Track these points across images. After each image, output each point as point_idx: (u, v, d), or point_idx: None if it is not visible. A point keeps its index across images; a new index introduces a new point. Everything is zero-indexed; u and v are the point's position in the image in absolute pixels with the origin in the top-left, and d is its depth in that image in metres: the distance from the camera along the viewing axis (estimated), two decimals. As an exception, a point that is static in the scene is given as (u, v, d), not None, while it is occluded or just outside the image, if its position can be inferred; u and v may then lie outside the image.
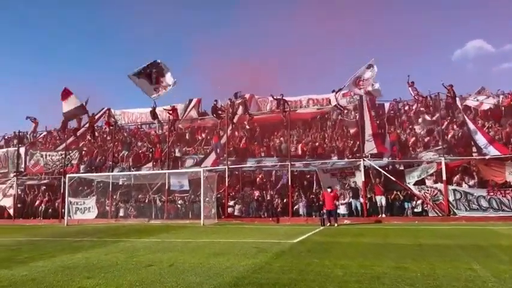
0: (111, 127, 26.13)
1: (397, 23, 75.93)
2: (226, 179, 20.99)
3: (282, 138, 23.67)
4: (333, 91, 21.43)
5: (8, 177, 26.03)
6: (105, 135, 29.90)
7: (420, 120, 21.60)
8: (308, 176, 21.96)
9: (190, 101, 28.88)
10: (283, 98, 22.22)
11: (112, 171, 23.43)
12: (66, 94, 22.87)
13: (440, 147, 18.67)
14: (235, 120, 23.26)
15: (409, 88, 20.21)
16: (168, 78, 21.82)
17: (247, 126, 23.64)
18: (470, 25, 70.25)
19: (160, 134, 25.76)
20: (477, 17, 68.91)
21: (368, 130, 20.52)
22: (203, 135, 26.54)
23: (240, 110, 22.84)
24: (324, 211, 19.12)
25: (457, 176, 18.24)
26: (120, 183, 24.26)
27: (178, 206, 21.86)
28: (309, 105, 26.28)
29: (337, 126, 24.20)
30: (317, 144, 22.63)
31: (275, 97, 22.65)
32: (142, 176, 22.82)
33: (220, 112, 23.11)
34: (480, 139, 19.18)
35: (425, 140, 21.24)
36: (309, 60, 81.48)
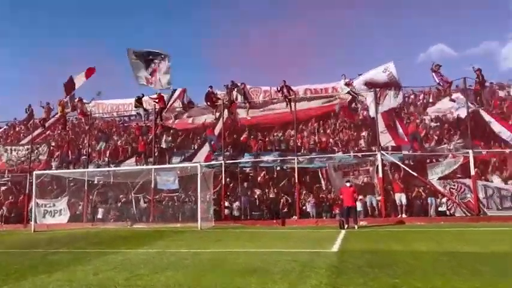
0: (86, 117, 22.92)
1: (360, 25, 75.91)
2: (223, 175, 18.41)
3: (280, 132, 21.27)
4: (343, 76, 19.24)
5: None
6: (76, 128, 26.61)
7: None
8: (312, 173, 19.66)
9: (174, 91, 26.02)
10: (286, 84, 19.84)
11: (87, 168, 20.34)
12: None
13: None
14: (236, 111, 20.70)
15: (433, 74, 18.34)
16: (164, 77, 19.72)
17: (248, 117, 21.08)
18: (433, 30, 71.53)
19: (145, 125, 22.78)
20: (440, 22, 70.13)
21: (380, 121, 18.54)
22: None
23: (239, 98, 20.29)
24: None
25: (490, 169, 16.41)
26: (96, 181, 21.21)
27: (168, 207, 19.05)
28: (306, 95, 23.99)
29: (340, 118, 22.01)
30: (323, 138, 20.34)
31: (278, 88, 20.15)
32: (124, 173, 19.86)
33: (215, 100, 20.46)
34: (503, 131, 17.58)
35: (437, 132, 19.52)
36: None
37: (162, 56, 20.48)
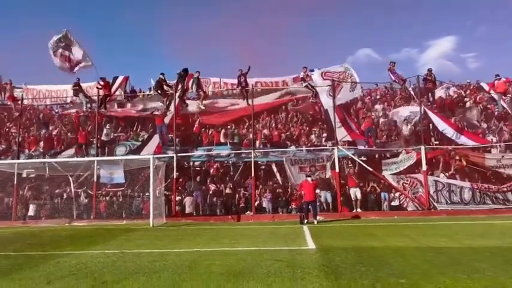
0: (17, 102, 20.35)
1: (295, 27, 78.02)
2: (175, 169, 17.29)
3: (233, 125, 20.51)
4: (305, 68, 18.88)
5: None
6: (2, 115, 23.70)
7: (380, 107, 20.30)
8: (266, 168, 19.21)
9: (115, 78, 24.08)
10: (243, 73, 19.07)
11: (18, 160, 18.08)
12: None
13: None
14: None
15: (389, 72, 18.69)
16: (77, 52, 18.36)
17: (202, 107, 19.93)
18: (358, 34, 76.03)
19: (86, 113, 20.73)
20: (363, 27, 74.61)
21: (332, 117, 18.54)
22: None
23: (194, 87, 19.10)
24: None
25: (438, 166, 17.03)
26: (24, 175, 18.98)
27: (113, 203, 17.49)
28: (257, 87, 23.46)
29: (292, 111, 21.76)
30: (275, 132, 19.93)
31: (238, 76, 19.28)
32: (62, 166, 17.91)
33: (166, 89, 19.10)
34: (447, 129, 18.39)
35: (385, 129, 20.02)
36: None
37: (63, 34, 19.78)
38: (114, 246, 9.80)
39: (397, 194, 16.56)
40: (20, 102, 19.75)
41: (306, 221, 14.21)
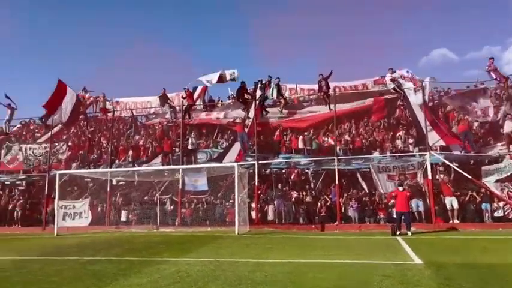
0: (109, 114, 21.78)
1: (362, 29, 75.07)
2: (256, 176, 17.21)
3: (311, 131, 19.98)
4: (390, 69, 17.92)
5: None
6: (90, 128, 25.32)
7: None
8: (347, 175, 18.43)
9: (195, 89, 24.83)
10: (324, 77, 18.57)
11: (110, 168, 19.21)
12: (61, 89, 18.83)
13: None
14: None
15: (491, 72, 17.18)
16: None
17: (282, 113, 19.83)
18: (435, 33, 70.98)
19: (172, 122, 21.56)
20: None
21: (422, 120, 17.30)
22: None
23: (274, 94, 19.03)
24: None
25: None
26: (114, 182, 20.07)
27: (197, 210, 17.86)
28: (340, 91, 22.77)
29: (376, 116, 20.69)
30: (357, 138, 19.11)
31: (319, 81, 18.82)
32: (149, 174, 18.72)
33: (247, 96, 19.24)
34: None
35: (481, 131, 18.27)
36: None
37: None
38: (208, 254, 9.77)
39: (500, 204, 14.92)
40: (110, 114, 21.06)
41: (398, 232, 13.28)
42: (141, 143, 22.74)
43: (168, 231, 16.75)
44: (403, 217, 13.50)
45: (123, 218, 18.65)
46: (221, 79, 20.76)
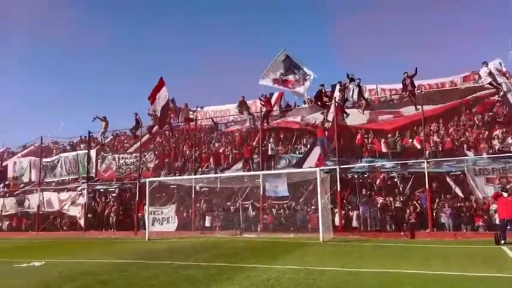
0: (191, 123, 22.74)
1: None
2: (338, 182, 16.71)
3: (397, 133, 18.91)
4: (485, 63, 16.47)
5: (78, 184, 23.34)
6: (174, 136, 26.54)
7: None
8: (437, 178, 17.12)
9: (271, 95, 24.96)
10: (409, 76, 17.52)
11: (195, 175, 19.93)
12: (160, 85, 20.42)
13: None
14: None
15: None
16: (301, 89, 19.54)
17: (363, 115, 19.13)
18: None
19: (252, 129, 21.92)
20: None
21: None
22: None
23: (355, 95, 18.40)
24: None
25: None
26: (198, 189, 20.73)
27: (279, 216, 17.81)
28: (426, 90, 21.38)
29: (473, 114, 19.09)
30: (447, 138, 17.74)
31: (403, 80, 17.82)
32: (230, 180, 19.09)
33: (325, 99, 18.88)
34: None
35: None
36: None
37: (307, 74, 19.74)
38: (295, 262, 9.59)
39: None
40: (193, 123, 21.96)
41: (503, 241, 11.98)
42: (221, 150, 23.34)
43: (251, 237, 16.87)
44: (508, 226, 12.19)
45: (207, 224, 19.19)
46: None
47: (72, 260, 11.34)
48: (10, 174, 26.89)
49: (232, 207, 19.27)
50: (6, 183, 27.28)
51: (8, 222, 25.45)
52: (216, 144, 24.48)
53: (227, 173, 19.95)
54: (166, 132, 25.23)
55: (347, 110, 18.94)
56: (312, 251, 11.62)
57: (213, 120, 24.88)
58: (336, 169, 16.96)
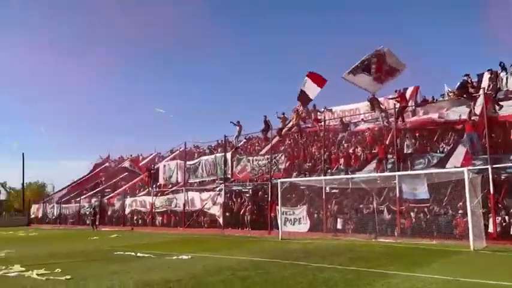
0: (320, 124, 22.64)
1: None
2: (491, 183, 14.65)
3: None
4: None
5: (216, 184, 25.23)
6: (303, 137, 26.68)
7: None
8: None
9: (405, 89, 23.20)
10: None
11: (324, 176, 19.70)
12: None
13: None
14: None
15: None
16: (395, 63, 17.80)
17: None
18: None
19: (384, 127, 20.82)
20: None
21: None
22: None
23: (509, 84, 15.99)
24: None
25: None
26: (328, 190, 20.34)
27: (419, 220, 16.44)
28: None
29: None
30: None
31: None
32: (361, 181, 18.32)
33: (472, 91, 16.82)
34: None
35: None
36: None
37: (375, 51, 18.78)
38: (443, 271, 8.63)
39: None
40: (321, 124, 21.78)
41: None
42: (351, 150, 22.64)
43: (388, 241, 15.88)
44: None
45: (339, 226, 18.74)
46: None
47: (214, 256, 12.19)
48: (161, 175, 30.47)
49: (365, 210, 18.47)
50: (158, 183, 30.96)
51: (160, 218, 28.88)
52: (345, 145, 23.85)
53: (358, 174, 19.21)
54: (295, 134, 25.55)
55: (500, 102, 16.48)
56: (462, 261, 10.38)
57: (341, 120, 24.28)
58: (487, 169, 14.93)
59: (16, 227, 37.25)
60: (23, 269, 10.06)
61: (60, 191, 46.87)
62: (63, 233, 28.77)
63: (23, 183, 54.50)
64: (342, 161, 21.37)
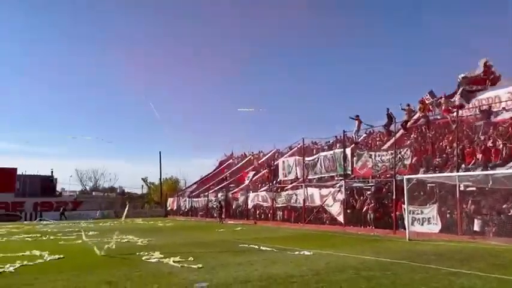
0: (451, 115, 20.50)
1: None
2: None
3: None
4: None
5: (336, 181, 24.74)
6: (431, 130, 24.40)
7: None
8: None
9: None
10: None
11: (457, 172, 17.79)
12: None
13: None
14: None
15: None
16: None
17: None
18: None
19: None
20: None
21: None
22: None
23: None
24: None
25: None
26: (462, 188, 18.25)
27: None
28: None
29: None
30: None
31: None
32: (505, 179, 16.01)
33: None
34: None
35: None
36: None
37: None
38: None
39: None
40: (456, 112, 19.69)
41: None
42: (490, 143, 20.01)
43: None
44: None
45: (476, 228, 16.74)
46: None
47: (336, 253, 11.94)
48: (280, 171, 31.16)
49: (509, 211, 16.16)
50: (278, 179, 31.71)
51: (280, 213, 29.55)
52: (482, 137, 21.13)
53: (500, 170, 16.87)
54: (422, 126, 23.57)
55: None
56: None
57: (479, 109, 21.60)
58: None
59: (156, 218, 42.30)
60: (162, 255, 11.25)
61: (190, 186, 51.55)
62: (194, 224, 31.55)
63: (160, 178, 61.22)
64: (479, 155, 19.02)
